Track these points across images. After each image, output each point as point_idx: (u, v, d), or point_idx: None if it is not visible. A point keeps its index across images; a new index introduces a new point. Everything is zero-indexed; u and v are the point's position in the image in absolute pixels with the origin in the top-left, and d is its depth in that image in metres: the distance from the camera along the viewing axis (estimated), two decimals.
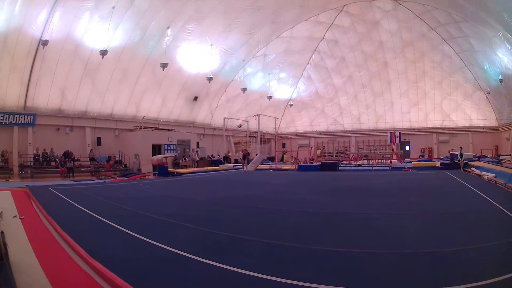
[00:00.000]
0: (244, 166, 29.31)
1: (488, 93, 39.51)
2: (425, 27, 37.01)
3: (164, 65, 27.11)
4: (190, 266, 5.33)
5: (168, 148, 30.03)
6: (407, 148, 45.77)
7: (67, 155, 24.70)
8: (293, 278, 4.61)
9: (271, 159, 40.50)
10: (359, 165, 35.03)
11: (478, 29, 31.90)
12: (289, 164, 36.49)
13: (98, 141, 28.50)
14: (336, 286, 4.43)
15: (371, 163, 34.82)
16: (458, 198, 13.98)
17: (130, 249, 6.35)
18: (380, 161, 36.36)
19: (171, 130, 31.99)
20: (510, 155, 33.36)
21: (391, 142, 40.75)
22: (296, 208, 11.52)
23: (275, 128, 47.57)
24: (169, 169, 26.46)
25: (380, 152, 39.32)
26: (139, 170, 26.66)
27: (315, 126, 49.53)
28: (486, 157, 36.47)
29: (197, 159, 32.10)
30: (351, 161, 38.65)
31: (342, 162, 37.28)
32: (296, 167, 32.17)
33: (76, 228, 7.56)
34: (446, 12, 33.67)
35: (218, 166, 32.68)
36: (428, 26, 36.74)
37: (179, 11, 26.93)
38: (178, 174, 25.92)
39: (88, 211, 9.97)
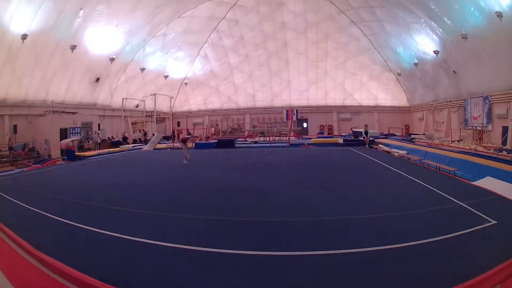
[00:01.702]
0: (185, 158, 24.41)
1: (399, 74, 50.66)
2: (334, 9, 46.01)
3: (73, 47, 33.29)
4: (123, 245, 7.63)
5: (74, 131, 36.83)
6: (305, 125, 56.92)
7: None
8: (226, 248, 7.10)
9: (167, 138, 48.88)
10: (256, 142, 43.45)
11: (395, 15, 39.65)
12: None
13: (15, 129, 33.90)
14: (266, 251, 6.96)
15: (268, 140, 43.20)
16: (369, 172, 18.87)
17: (72, 238, 8.33)
18: (277, 138, 45.24)
19: (75, 113, 38.61)
20: (424, 134, 42.37)
21: (287, 119, 49.44)
22: (209, 184, 15.41)
23: (170, 107, 57.12)
24: (76, 153, 32.56)
25: (277, 129, 48.90)
26: (49, 156, 32.94)
27: (209, 104, 59.53)
28: (394, 135, 45.23)
29: (99, 141, 39.99)
30: (246, 138, 47.56)
31: (238, 140, 45.53)
32: (193, 145, 39.43)
33: (16, 223, 9.44)
34: None
35: (119, 147, 39.91)
36: (337, 9, 45.78)
37: None
38: (84, 157, 32.11)
39: (24, 204, 12.09)
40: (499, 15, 24.57)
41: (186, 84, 57.25)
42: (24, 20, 28.73)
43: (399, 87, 54.39)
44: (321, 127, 57.88)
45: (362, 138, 37.61)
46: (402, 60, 47.88)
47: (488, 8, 25.83)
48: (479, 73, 33.25)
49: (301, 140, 42.79)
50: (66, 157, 31.65)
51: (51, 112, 36.09)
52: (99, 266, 6.47)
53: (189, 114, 59.32)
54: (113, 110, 46.98)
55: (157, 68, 50.08)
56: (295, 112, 48.76)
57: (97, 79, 41.44)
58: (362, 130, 38.70)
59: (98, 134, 41.50)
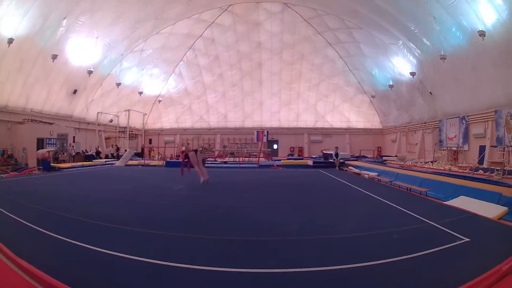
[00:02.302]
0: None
1: (373, 97, 53.09)
2: (311, 31, 48.03)
3: (54, 57, 33.79)
4: (92, 256, 7.80)
5: (50, 142, 37.63)
6: (275, 146, 59.12)
7: None
8: (191, 263, 7.32)
9: (139, 154, 50.16)
10: (225, 162, 44.55)
11: (373, 36, 41.64)
12: (156, 160, 47.11)
13: None
14: (230, 268, 7.05)
15: (237, 160, 44.93)
16: (338, 193, 19.42)
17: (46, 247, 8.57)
18: (247, 158, 47.17)
19: (52, 123, 39.34)
20: (396, 156, 43.73)
21: (258, 140, 51.19)
22: (179, 202, 15.89)
23: (143, 124, 58.44)
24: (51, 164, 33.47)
25: (246, 150, 50.74)
26: (26, 164, 33.97)
27: (181, 123, 61.03)
28: (366, 157, 47.24)
29: (73, 153, 41.04)
30: (216, 158, 48.72)
31: (208, 159, 45.09)
32: (164, 163, 41.43)
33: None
34: (339, 18, 43.38)
35: (92, 161, 41.26)
36: (314, 30, 47.81)
37: (78, 1, 32.40)
38: (59, 169, 33.53)
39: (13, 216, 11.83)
40: (482, 33, 25.92)
41: (159, 101, 58.79)
42: (12, 24, 29.64)
43: (373, 109, 57.37)
44: (292, 149, 59.87)
45: (332, 160, 39.01)
46: (377, 82, 50.16)
47: (471, 27, 27.24)
48: (457, 93, 34.95)
49: (271, 162, 44.02)
50: (42, 167, 32.77)
51: (30, 120, 36.96)
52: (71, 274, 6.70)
53: (161, 132, 60.73)
54: (88, 123, 47.90)
55: (132, 84, 51.23)
56: (265, 134, 50.82)
57: (75, 91, 42.38)
58: (332, 152, 40.01)
59: (73, 146, 42.47)
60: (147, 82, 53.69)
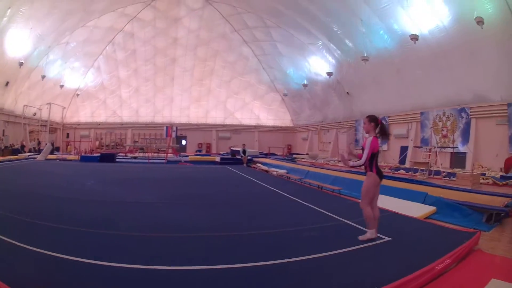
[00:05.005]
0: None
1: (285, 95, 56.63)
2: (228, 28, 50.31)
3: None
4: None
5: None
6: (183, 142, 61.62)
7: None
8: (93, 258, 7.16)
9: (57, 149, 51.07)
10: (135, 158, 46.25)
11: (291, 36, 43.58)
12: (72, 154, 48.04)
13: None
14: (127, 263, 7.01)
15: (147, 155, 46.53)
16: (245, 190, 19.97)
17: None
18: (156, 154, 49.53)
19: None
20: (307, 154, 46.49)
21: (166, 136, 53.12)
22: (85, 198, 15.78)
23: (62, 118, 58.33)
24: None
25: (156, 146, 53.03)
26: None
27: (96, 117, 61.84)
28: (275, 154, 49.96)
29: (3, 147, 41.25)
30: (127, 153, 51.25)
31: (119, 154, 48.29)
32: (79, 157, 42.72)
33: None
34: (259, 16, 45.36)
35: (17, 155, 41.22)
36: (231, 28, 50.11)
37: None
38: None
39: None
40: (414, 37, 27.62)
41: (78, 95, 59.20)
42: None
43: (284, 107, 62.09)
44: (200, 145, 63.25)
45: (240, 157, 40.76)
46: (291, 80, 53.74)
47: (402, 31, 29.17)
48: (378, 94, 37.38)
49: (179, 157, 46.37)
50: None
51: None
52: None
53: (77, 126, 60.81)
54: (16, 116, 47.67)
55: (56, 77, 51.33)
56: (174, 129, 53.82)
57: (7, 83, 42.37)
58: (240, 149, 41.79)
59: (2, 140, 42.69)
60: (68, 76, 54.13)
